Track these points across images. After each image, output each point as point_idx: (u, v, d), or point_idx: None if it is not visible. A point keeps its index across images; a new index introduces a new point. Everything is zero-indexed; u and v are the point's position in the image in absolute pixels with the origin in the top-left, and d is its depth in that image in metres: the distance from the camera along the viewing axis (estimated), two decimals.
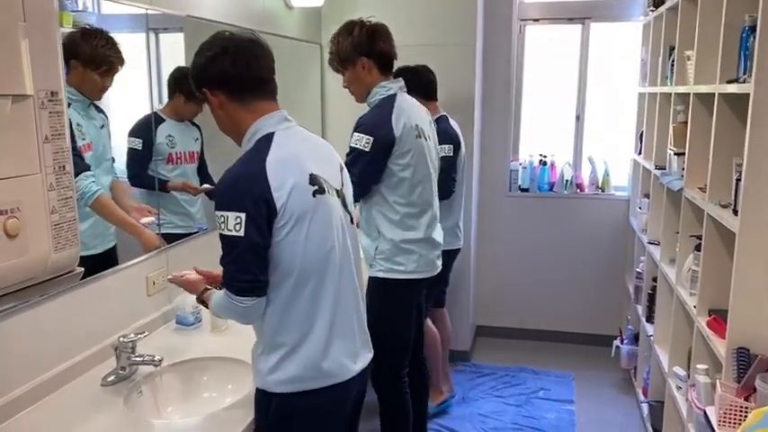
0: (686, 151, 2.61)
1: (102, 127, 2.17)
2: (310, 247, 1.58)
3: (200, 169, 2.70)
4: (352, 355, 1.70)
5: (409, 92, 3.11)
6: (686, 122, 2.79)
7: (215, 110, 1.64)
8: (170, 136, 2.53)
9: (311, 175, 1.59)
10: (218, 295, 1.68)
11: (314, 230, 1.58)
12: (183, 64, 2.59)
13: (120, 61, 2.10)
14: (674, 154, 2.85)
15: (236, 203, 1.50)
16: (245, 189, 1.51)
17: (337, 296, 1.65)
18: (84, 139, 2.05)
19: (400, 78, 2.47)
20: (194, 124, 2.65)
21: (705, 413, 2.01)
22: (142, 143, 2.43)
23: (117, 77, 2.13)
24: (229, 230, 1.50)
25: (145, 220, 2.33)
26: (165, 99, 2.54)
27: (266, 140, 1.58)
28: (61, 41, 1.09)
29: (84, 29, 2.01)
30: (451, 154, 3.14)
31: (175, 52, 2.63)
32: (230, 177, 1.55)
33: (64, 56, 1.93)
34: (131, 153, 2.38)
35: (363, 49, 2.32)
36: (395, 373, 2.48)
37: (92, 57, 2.01)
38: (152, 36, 2.54)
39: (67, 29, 2.01)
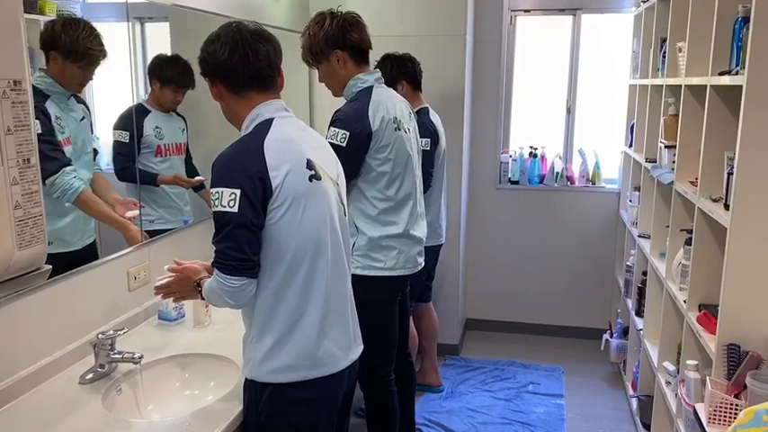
0: (677, 144, 2.58)
1: (83, 119, 2.10)
2: (304, 231, 1.57)
3: (187, 161, 2.65)
4: (345, 346, 1.69)
5: (402, 80, 3.06)
6: (677, 115, 2.76)
7: (217, 98, 1.67)
8: (157, 127, 2.47)
9: (308, 161, 1.60)
10: (210, 280, 1.64)
11: (308, 215, 1.57)
12: (167, 53, 2.54)
13: (103, 54, 2.03)
14: (665, 147, 2.82)
15: (232, 179, 1.50)
16: (242, 166, 1.52)
17: (330, 284, 1.63)
18: (63, 133, 1.99)
19: (377, 70, 2.41)
20: (179, 115, 2.59)
21: (695, 410, 1.98)
22: (129, 135, 2.38)
23: (102, 68, 2.06)
24: (223, 206, 1.49)
25: (130, 213, 2.27)
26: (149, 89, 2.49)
27: (265, 125, 1.60)
28: (25, 29, 1.04)
29: (65, 19, 1.94)
30: (428, 148, 3.07)
31: (161, 42, 2.58)
32: (227, 154, 1.56)
33: (43, 46, 1.91)
34: (118, 146, 2.32)
35: (336, 41, 2.26)
36: (379, 372, 2.44)
37: (72, 48, 1.94)
38: (137, 25, 2.48)
39: (50, 17, 1.95)
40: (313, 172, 1.59)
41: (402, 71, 3.08)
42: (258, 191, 1.50)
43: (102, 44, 2.02)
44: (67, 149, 2.00)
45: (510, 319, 4.52)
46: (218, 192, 1.50)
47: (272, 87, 1.68)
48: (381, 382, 2.46)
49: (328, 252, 1.63)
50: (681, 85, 2.56)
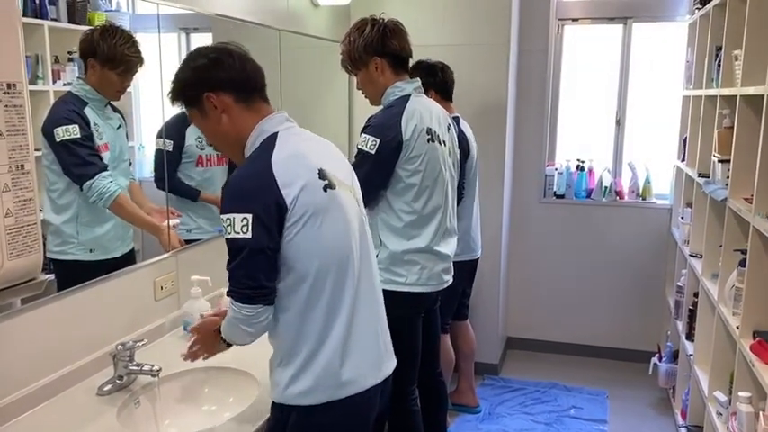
0: (731, 158, 2.42)
1: (119, 127, 2.11)
2: (325, 246, 1.49)
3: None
4: (373, 363, 1.60)
5: (430, 90, 2.96)
6: (732, 127, 2.60)
7: (215, 119, 1.53)
8: (199, 138, 2.46)
9: (320, 171, 1.52)
10: (226, 317, 1.58)
11: (327, 228, 1.49)
12: None
13: (140, 61, 2.03)
14: (718, 161, 2.65)
15: (243, 205, 1.43)
16: (252, 189, 1.45)
17: (356, 299, 1.55)
18: (101, 139, 2.00)
19: (417, 79, 2.33)
20: None
21: None
22: (173, 144, 2.37)
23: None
24: (236, 233, 1.42)
25: (172, 221, 2.27)
26: None
27: (270, 140, 1.51)
28: (22, 31, 1.00)
29: (103, 27, 1.95)
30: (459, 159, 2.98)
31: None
32: (236, 180, 1.49)
33: (82, 54, 1.92)
34: (161, 155, 2.32)
35: (376, 48, 2.20)
36: (402, 390, 2.34)
37: (110, 55, 1.94)
38: (183, 36, 2.50)
39: None
40: (327, 182, 1.51)
41: (431, 80, 2.98)
42: (271, 213, 1.43)
43: (139, 51, 2.02)
44: (105, 155, 2.01)
45: (553, 338, 4.35)
46: (229, 218, 1.43)
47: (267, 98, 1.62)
48: (403, 401, 2.35)
49: (354, 265, 1.56)
50: (736, 96, 2.39)
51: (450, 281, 2.43)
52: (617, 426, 3.43)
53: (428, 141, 2.22)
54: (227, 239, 1.45)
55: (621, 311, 4.22)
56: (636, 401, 3.69)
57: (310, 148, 1.57)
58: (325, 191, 1.50)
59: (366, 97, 2.36)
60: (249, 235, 1.41)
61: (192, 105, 1.54)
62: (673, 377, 3.49)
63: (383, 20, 2.23)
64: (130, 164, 2.20)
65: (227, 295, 1.51)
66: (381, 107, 2.29)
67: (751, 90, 2.20)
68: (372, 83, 2.26)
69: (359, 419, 1.60)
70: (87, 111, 1.94)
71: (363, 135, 2.19)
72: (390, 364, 1.68)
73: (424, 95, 2.34)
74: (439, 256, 2.31)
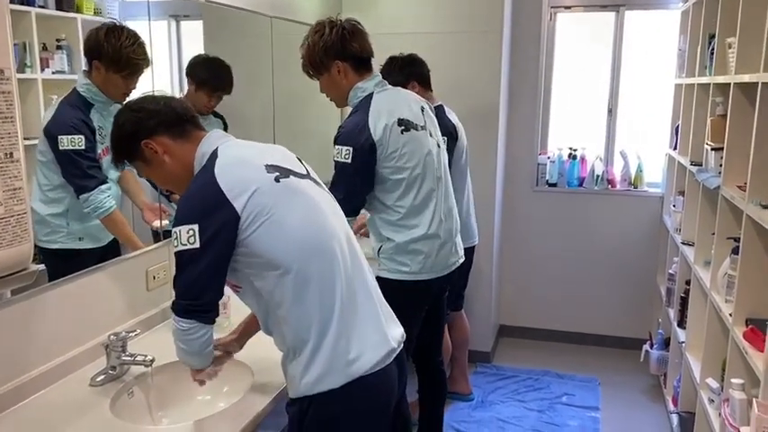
0: (724, 146, 2.42)
1: None
2: (295, 233, 1.47)
3: None
4: (377, 331, 1.58)
5: (413, 81, 2.95)
6: (725, 115, 2.59)
7: (159, 162, 1.55)
8: None
9: (266, 166, 1.51)
10: None
11: (293, 215, 1.48)
12: (202, 52, 2.53)
13: (146, 63, 2.00)
14: (711, 149, 2.65)
15: (189, 217, 1.43)
16: (198, 202, 1.45)
17: (348, 276, 1.54)
18: (103, 143, 1.98)
19: (377, 74, 2.29)
20: (218, 116, 2.55)
21: None
22: None
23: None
24: (183, 244, 1.42)
25: (157, 223, 2.24)
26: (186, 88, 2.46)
27: (211, 157, 1.51)
28: (9, 16, 0.98)
29: (108, 27, 1.91)
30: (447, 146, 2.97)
31: (196, 40, 2.57)
32: (183, 197, 1.49)
33: (87, 54, 1.88)
34: None
35: (336, 51, 2.17)
36: None
37: (115, 58, 1.90)
38: (173, 23, 2.47)
39: (88, 16, 1.93)
40: (277, 173, 1.50)
41: (411, 71, 2.97)
42: (219, 221, 1.41)
43: (145, 53, 1.98)
44: (105, 160, 2.00)
45: (545, 326, 4.36)
46: (176, 232, 1.42)
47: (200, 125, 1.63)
48: None
49: (340, 243, 1.54)
50: (730, 84, 2.39)
51: (460, 260, 2.44)
52: (609, 412, 3.45)
53: (402, 133, 2.20)
54: (174, 254, 1.45)
55: (613, 299, 4.24)
56: (627, 388, 3.71)
57: (252, 152, 1.57)
58: (278, 181, 1.49)
59: (331, 100, 2.34)
60: (197, 245, 1.41)
61: (135, 158, 1.57)
62: (664, 364, 3.51)
63: (341, 21, 2.20)
64: None
65: (171, 308, 1.51)
66: (350, 108, 2.29)
67: (746, 78, 2.20)
68: (336, 86, 2.24)
69: (378, 402, 1.58)
70: (93, 114, 1.94)
71: (336, 146, 2.18)
72: (397, 330, 1.66)
73: (390, 87, 2.31)
74: (441, 237, 2.31)
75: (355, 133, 2.15)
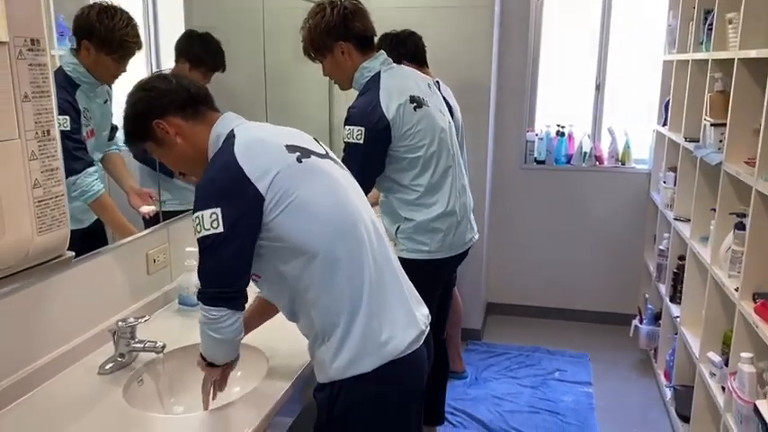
0: (727, 122, 2.42)
1: (106, 101, 1.99)
2: (320, 213, 1.43)
3: None
4: (407, 313, 1.54)
5: (403, 61, 2.91)
6: (724, 91, 2.60)
7: (171, 143, 1.49)
8: None
9: (287, 146, 1.46)
10: None
11: (316, 196, 1.43)
12: (183, 28, 2.39)
13: (138, 45, 1.89)
14: (711, 125, 2.66)
15: (211, 200, 1.37)
16: (220, 184, 1.39)
17: (378, 259, 1.50)
18: (88, 126, 1.88)
19: (381, 52, 2.24)
20: None
21: (755, 406, 1.86)
22: None
23: None
24: (206, 229, 1.36)
25: (145, 209, 2.15)
26: (164, 66, 2.33)
27: (228, 139, 1.46)
28: None
29: (101, 6, 1.80)
30: None
31: (175, 15, 2.42)
32: (203, 179, 1.42)
33: (76, 33, 1.76)
34: None
35: (339, 32, 2.11)
36: None
37: (107, 39, 1.80)
38: None
39: None
40: (298, 153, 1.45)
41: (402, 51, 2.91)
42: (243, 204, 1.36)
43: (138, 35, 1.89)
44: (90, 142, 1.91)
45: (533, 303, 4.39)
46: (198, 216, 1.36)
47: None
48: None
49: (360, 223, 1.49)
50: (733, 59, 2.39)
51: (476, 237, 2.44)
52: (601, 387, 3.49)
53: (415, 110, 2.17)
54: (198, 240, 1.39)
55: (601, 275, 4.28)
56: (617, 363, 3.76)
57: (270, 133, 1.52)
58: (300, 161, 1.45)
59: (335, 83, 2.29)
60: (220, 229, 1.35)
61: (146, 139, 1.50)
62: (654, 339, 3.56)
63: (341, 1, 2.14)
64: (115, 131, 2.07)
65: (197, 298, 1.46)
66: (355, 91, 2.24)
67: (752, 53, 2.19)
68: (340, 68, 2.19)
69: (410, 386, 1.55)
70: (78, 95, 1.83)
71: (347, 127, 2.12)
72: (423, 311, 1.63)
73: (395, 65, 2.27)
74: (458, 214, 2.30)
75: (367, 113, 2.10)
